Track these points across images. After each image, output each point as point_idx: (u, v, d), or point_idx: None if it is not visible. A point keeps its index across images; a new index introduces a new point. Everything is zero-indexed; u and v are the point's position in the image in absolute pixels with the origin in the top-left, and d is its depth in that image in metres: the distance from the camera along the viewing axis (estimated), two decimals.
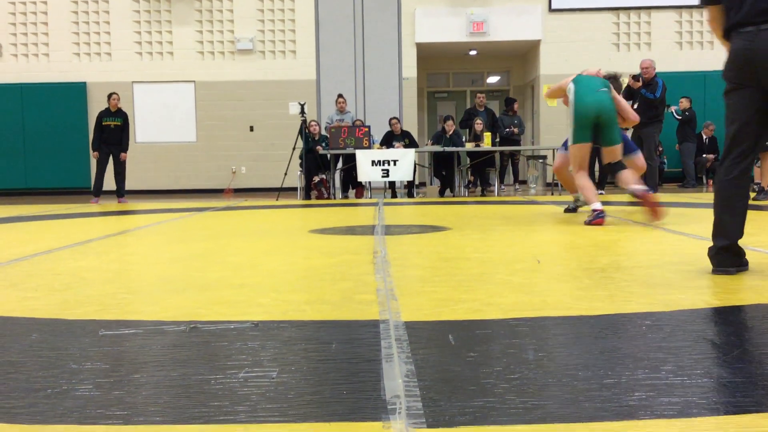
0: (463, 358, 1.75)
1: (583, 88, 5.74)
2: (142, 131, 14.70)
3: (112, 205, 10.18)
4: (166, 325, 2.16)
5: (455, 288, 2.74)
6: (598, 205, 5.44)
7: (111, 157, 10.94)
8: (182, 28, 14.58)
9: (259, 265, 3.56)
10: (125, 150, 10.98)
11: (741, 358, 1.71)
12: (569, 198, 7.39)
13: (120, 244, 4.85)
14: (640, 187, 5.47)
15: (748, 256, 2.98)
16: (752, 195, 8.24)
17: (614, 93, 5.93)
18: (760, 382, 1.52)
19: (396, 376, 1.60)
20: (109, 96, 11.02)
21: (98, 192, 10.97)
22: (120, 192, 11.04)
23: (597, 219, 5.31)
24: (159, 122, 14.67)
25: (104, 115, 10.94)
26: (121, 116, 10.98)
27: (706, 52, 14.58)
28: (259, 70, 14.60)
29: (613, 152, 5.81)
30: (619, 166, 5.87)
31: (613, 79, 6.13)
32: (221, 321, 2.21)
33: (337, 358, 1.77)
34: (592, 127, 5.69)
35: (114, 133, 10.89)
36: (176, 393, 1.53)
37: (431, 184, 13.30)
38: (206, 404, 1.45)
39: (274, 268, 3.47)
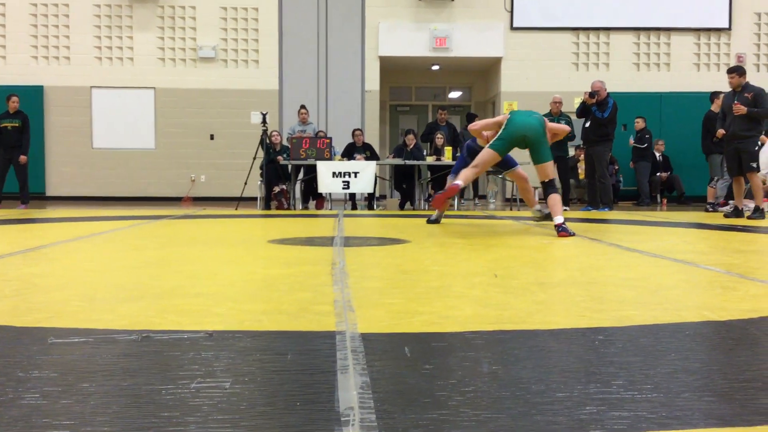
0: (418, 370, 1.75)
1: (519, 113, 6.43)
2: (99, 137, 14.49)
3: (61, 210, 9.98)
4: (118, 334, 2.12)
5: (413, 300, 2.74)
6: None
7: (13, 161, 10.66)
8: (143, 33, 14.43)
9: (217, 275, 3.53)
10: (25, 153, 10.72)
11: (689, 374, 1.74)
12: (528, 213, 7.48)
13: (74, 251, 4.75)
14: (558, 218, 5.75)
15: (700, 275, 3.04)
16: (746, 215, 8.42)
17: (545, 120, 6.43)
18: (707, 398, 1.54)
19: (351, 388, 1.59)
20: (8, 97, 10.81)
21: None
22: (23, 198, 10.72)
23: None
24: (117, 128, 14.46)
25: (2, 117, 10.72)
26: (20, 118, 10.74)
27: (663, 74, 14.93)
28: (220, 79, 14.50)
29: (544, 170, 6.14)
30: (551, 188, 6.11)
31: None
32: (175, 330, 2.18)
33: (291, 369, 1.76)
34: (517, 143, 6.21)
35: (12, 135, 10.66)
36: (126, 403, 1.51)
37: (392, 197, 13.33)
38: (156, 415, 1.42)
39: (231, 277, 3.44)
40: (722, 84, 12.88)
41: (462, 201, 12.90)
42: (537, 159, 6.19)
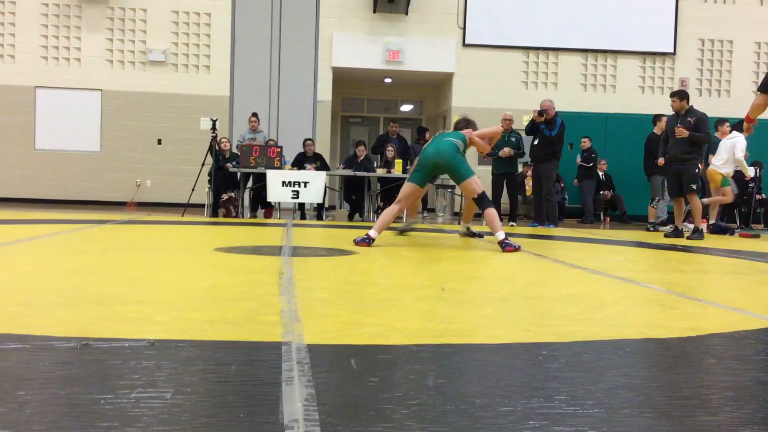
0: (364, 382, 1.74)
1: (432, 141, 6.48)
2: (43, 138, 14.13)
3: (0, 213, 9.69)
4: (56, 341, 2.06)
5: (360, 312, 2.74)
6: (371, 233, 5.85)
7: None
8: (92, 34, 14.15)
9: (160, 282, 3.46)
10: None
11: (629, 390, 1.77)
12: (483, 228, 7.57)
13: (12, 255, 4.61)
14: (500, 234, 5.80)
15: (641, 293, 3.11)
16: (686, 235, 8.63)
17: (470, 133, 6.57)
18: (646, 414, 1.58)
19: (296, 400, 1.57)
20: None
21: None
22: None
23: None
24: (62, 129, 14.13)
25: None
26: None
27: (609, 95, 15.30)
28: (170, 83, 14.30)
29: (467, 188, 6.22)
30: (484, 203, 6.13)
31: (465, 122, 6.79)
32: (116, 338, 2.13)
33: (235, 380, 1.73)
34: (433, 171, 6.34)
35: None
36: (63, 412, 1.46)
37: (341, 208, 13.31)
38: (94, 425, 1.38)
39: (175, 285, 3.38)
40: (666, 107, 13.27)
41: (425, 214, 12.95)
42: (457, 180, 6.27)
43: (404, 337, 2.29)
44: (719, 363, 2.11)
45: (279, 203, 11.60)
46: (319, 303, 2.98)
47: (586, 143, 13.82)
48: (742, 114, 15.29)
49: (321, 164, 11.55)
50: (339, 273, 4.15)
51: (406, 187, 6.32)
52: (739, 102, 15.29)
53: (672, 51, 15.38)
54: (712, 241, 8.40)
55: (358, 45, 14.64)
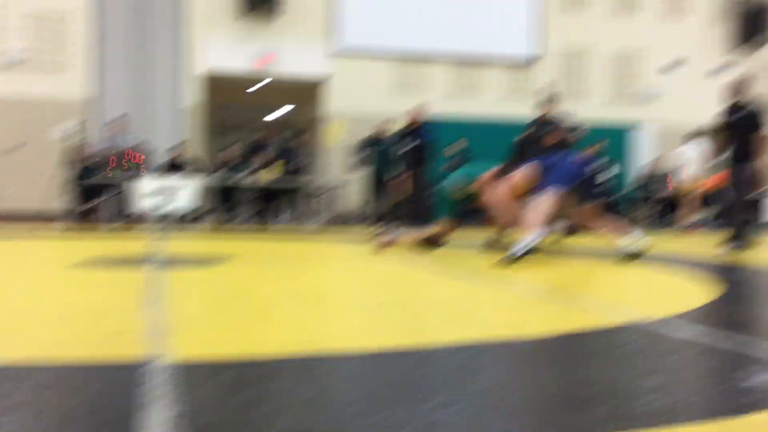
0: (233, 399, 1.68)
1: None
2: None
3: None
4: None
5: (233, 324, 2.66)
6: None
7: None
8: None
9: (9, 300, 3.22)
10: None
11: (497, 391, 1.80)
12: (355, 233, 7.57)
13: None
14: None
15: (508, 295, 3.18)
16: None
17: None
18: (514, 414, 1.61)
19: (159, 423, 1.49)
20: None
21: None
22: None
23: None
24: None
25: None
26: None
27: (475, 102, 15.81)
28: (26, 87, 13.47)
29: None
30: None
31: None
32: None
33: (93, 404, 1.62)
34: None
35: None
36: None
37: (214, 215, 12.99)
38: None
39: (27, 304, 3.16)
40: (531, 112, 13.82)
41: (288, 220, 12.83)
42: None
43: (279, 349, 2.24)
44: (581, 361, 2.19)
45: (147, 212, 11.16)
46: (190, 317, 2.87)
47: (453, 149, 14.16)
48: (599, 118, 16.13)
49: (192, 170, 11.23)
50: (212, 284, 4.03)
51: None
52: (597, 108, 16.19)
53: (536, 59, 16.07)
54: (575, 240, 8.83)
55: (229, 48, 14.35)
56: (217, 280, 4.18)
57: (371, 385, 1.85)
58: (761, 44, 16.75)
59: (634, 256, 5.34)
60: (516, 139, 11.42)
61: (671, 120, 16.67)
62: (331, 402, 1.68)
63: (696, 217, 11.91)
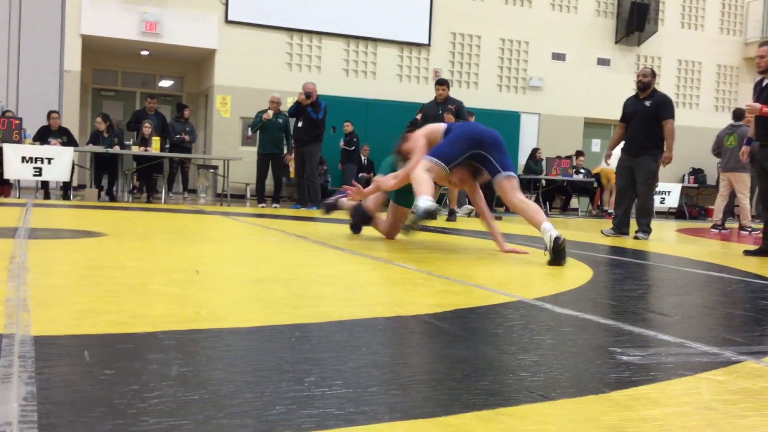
0: (96, 376, 1.58)
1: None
2: None
3: None
4: None
5: (101, 299, 2.51)
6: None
7: None
8: None
9: None
10: None
11: (377, 368, 1.78)
12: (241, 209, 7.41)
13: None
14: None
15: (394, 272, 3.18)
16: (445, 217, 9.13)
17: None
18: (393, 392, 1.59)
19: (12, 400, 1.38)
20: None
21: None
22: None
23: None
24: None
25: None
26: None
27: (369, 82, 15.78)
28: None
29: None
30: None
31: None
32: None
33: None
34: None
35: None
36: None
37: (91, 187, 12.42)
38: None
39: None
40: (422, 95, 13.97)
41: (170, 194, 12.42)
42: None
43: (149, 325, 2.13)
44: (463, 338, 2.21)
45: (18, 181, 10.52)
46: (54, 289, 2.70)
47: (348, 127, 14.14)
48: (488, 105, 16.53)
49: (68, 139, 10.65)
50: (82, 257, 3.82)
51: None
52: (485, 94, 16.55)
53: (427, 42, 16.21)
54: (464, 223, 8.99)
55: (110, 13, 13.66)
56: (90, 252, 3.97)
57: (246, 362, 1.78)
58: (644, 38, 17.60)
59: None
60: (414, 118, 11.55)
61: (555, 108, 17.28)
62: (204, 380, 1.61)
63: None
